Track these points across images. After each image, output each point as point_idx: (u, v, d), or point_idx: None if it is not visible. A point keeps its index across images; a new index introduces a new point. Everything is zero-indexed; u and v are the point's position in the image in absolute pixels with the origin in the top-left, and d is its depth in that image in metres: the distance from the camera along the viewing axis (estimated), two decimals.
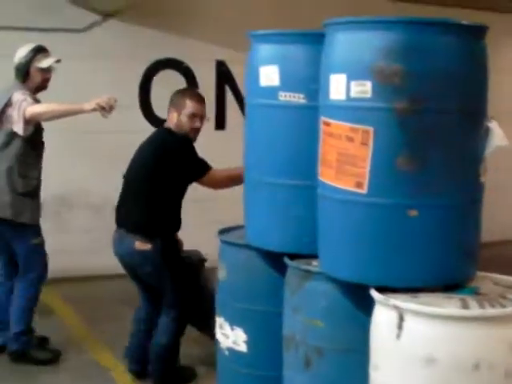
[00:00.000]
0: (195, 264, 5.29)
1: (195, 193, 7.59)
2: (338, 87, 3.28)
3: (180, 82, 8.20)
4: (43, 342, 5.69)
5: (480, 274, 3.49)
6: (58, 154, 7.48)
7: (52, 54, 5.52)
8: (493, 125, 3.32)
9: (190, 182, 4.86)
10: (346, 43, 3.28)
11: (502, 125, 3.37)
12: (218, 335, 4.39)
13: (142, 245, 4.71)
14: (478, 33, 3.29)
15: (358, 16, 3.34)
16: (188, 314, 4.97)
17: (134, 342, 5.08)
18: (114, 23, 7.90)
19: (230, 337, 4.29)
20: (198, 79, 8.36)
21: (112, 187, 6.38)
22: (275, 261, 3.99)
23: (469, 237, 3.37)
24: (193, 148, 4.82)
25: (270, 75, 3.82)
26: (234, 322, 4.25)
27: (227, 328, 4.30)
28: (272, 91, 3.82)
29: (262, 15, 8.34)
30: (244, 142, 4.14)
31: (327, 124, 3.35)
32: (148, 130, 7.54)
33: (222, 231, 4.50)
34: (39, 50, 5.41)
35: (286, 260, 3.82)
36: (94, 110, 4.97)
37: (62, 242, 7.45)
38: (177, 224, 4.95)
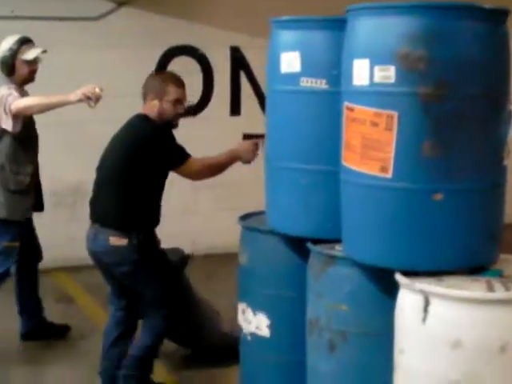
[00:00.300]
0: (176, 264, 5.06)
1: (208, 180, 7.63)
2: (361, 72, 3.29)
3: (195, 69, 8.26)
4: (65, 329, 5.74)
5: (503, 256, 3.51)
6: (74, 144, 7.55)
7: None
8: None
9: (168, 170, 4.57)
10: (368, 28, 3.29)
11: None
12: (241, 321, 4.42)
13: (116, 240, 4.40)
14: (500, 17, 3.29)
15: (380, 1, 3.35)
16: (174, 316, 4.70)
17: (107, 365, 4.77)
18: (127, 11, 7.95)
19: (253, 322, 4.31)
20: (213, 65, 8.40)
21: None
22: (298, 246, 4.01)
23: (492, 220, 3.39)
24: (172, 135, 4.58)
25: (291, 61, 3.83)
26: (256, 307, 4.27)
27: (250, 313, 4.32)
28: (293, 77, 3.83)
29: (275, 2, 8.34)
30: (265, 128, 4.14)
31: (351, 109, 3.37)
32: None
33: (243, 217, 4.52)
34: (24, 42, 5.31)
35: (309, 245, 3.84)
36: (79, 100, 4.88)
37: (80, 230, 7.50)
38: (155, 218, 4.63)
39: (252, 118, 8.53)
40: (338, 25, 3.65)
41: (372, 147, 3.28)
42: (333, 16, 3.82)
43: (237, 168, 7.48)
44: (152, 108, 4.55)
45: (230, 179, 7.96)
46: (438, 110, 3.14)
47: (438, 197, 3.21)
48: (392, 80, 3.18)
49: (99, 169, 4.63)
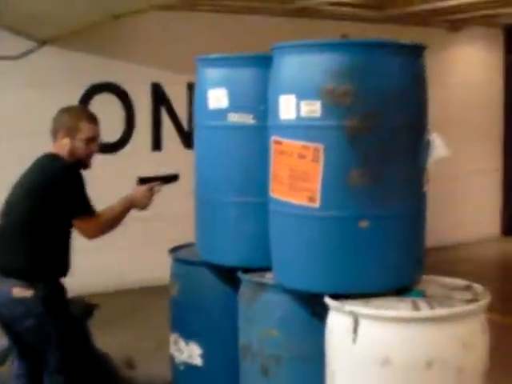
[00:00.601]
0: (79, 315, 4.76)
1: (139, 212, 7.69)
2: (287, 107, 3.46)
3: (117, 105, 8.35)
4: None
5: (425, 277, 3.71)
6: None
7: None
8: (433, 137, 3.54)
9: (68, 218, 4.05)
10: (294, 65, 3.47)
11: (444, 132, 3.62)
12: (173, 351, 4.51)
13: (20, 291, 3.90)
14: (417, 51, 3.52)
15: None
16: (76, 381, 4.15)
17: None
18: (48, 49, 8.01)
19: (185, 352, 4.41)
20: (134, 102, 8.51)
21: None
22: (228, 276, 4.15)
23: (416, 243, 3.59)
24: (81, 178, 4.07)
25: (218, 98, 3.99)
26: (188, 336, 4.38)
27: (182, 343, 4.42)
28: (221, 113, 3.99)
29: (194, 39, 8.55)
30: (194, 162, 4.27)
31: (278, 143, 3.53)
32: None
33: (173, 249, 4.63)
34: None
35: (240, 274, 3.97)
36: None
37: None
38: (64, 266, 4.13)
39: (173, 153, 8.70)
40: (263, 62, 3.83)
41: (300, 178, 3.44)
42: (253, 52, 4.01)
43: (166, 202, 7.60)
44: (62, 146, 4.13)
45: (159, 212, 8.10)
46: (364, 141, 3.33)
47: (364, 224, 3.39)
48: (318, 114, 3.36)
49: (3, 214, 4.13)
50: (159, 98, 8.70)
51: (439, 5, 9.20)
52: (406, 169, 3.43)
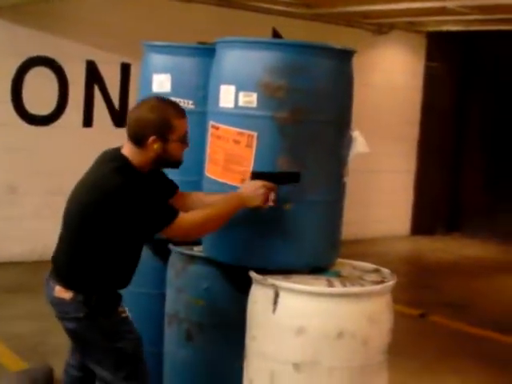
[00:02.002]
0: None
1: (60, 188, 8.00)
2: (227, 96, 3.79)
3: (52, 80, 8.54)
4: None
5: (340, 260, 4.09)
6: None
7: None
8: (356, 133, 3.92)
9: (149, 234, 3.59)
10: (236, 59, 3.80)
11: (364, 129, 3.99)
12: None
13: (61, 291, 3.57)
14: (347, 55, 3.89)
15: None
16: None
17: None
18: None
19: None
20: (69, 77, 8.72)
21: None
22: (159, 248, 4.45)
23: (333, 228, 3.97)
24: (146, 196, 3.46)
25: (162, 82, 4.30)
26: None
27: None
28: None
29: (130, 22, 8.81)
30: None
31: (216, 128, 3.86)
32: (17, 123, 7.93)
33: None
34: None
35: (171, 246, 4.28)
36: None
37: None
38: (119, 280, 3.69)
39: (103, 130, 8.94)
40: (205, 52, 4.19)
41: (234, 161, 3.78)
42: (183, 38, 4.27)
43: None
44: (147, 153, 3.54)
45: None
46: (293, 131, 3.69)
47: (288, 206, 3.74)
48: (254, 105, 3.70)
49: (65, 209, 3.66)
50: (93, 75, 8.93)
51: (366, 8, 9.62)
52: (328, 159, 3.79)
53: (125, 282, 3.71)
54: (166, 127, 3.51)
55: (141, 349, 3.69)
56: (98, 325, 3.57)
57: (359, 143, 3.89)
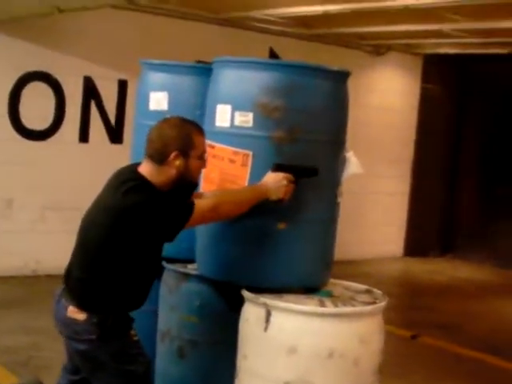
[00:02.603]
0: None
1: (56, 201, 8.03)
2: (223, 116, 3.82)
3: (48, 95, 8.57)
4: None
5: (333, 280, 4.11)
6: None
7: None
8: (350, 154, 3.96)
9: (172, 237, 3.54)
10: (232, 78, 3.84)
11: (360, 150, 4.03)
12: None
13: (74, 312, 3.49)
14: (343, 77, 3.93)
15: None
16: None
17: None
18: None
19: None
20: (66, 93, 8.75)
21: None
22: None
23: (326, 248, 3.99)
24: (166, 207, 3.44)
25: (159, 100, 4.34)
26: None
27: None
28: (161, 115, 4.25)
29: (129, 38, 8.86)
30: (131, 156, 4.57)
31: (212, 147, 3.87)
32: (14, 138, 7.95)
33: None
34: None
35: (165, 263, 4.30)
36: None
37: None
38: (133, 301, 3.62)
39: (99, 145, 8.98)
40: (203, 71, 4.23)
41: (229, 180, 3.81)
42: (183, 55, 4.30)
43: (86, 191, 7.83)
44: (168, 171, 3.51)
45: (78, 202, 8.36)
46: (289, 151, 3.72)
47: (282, 226, 3.77)
48: (250, 124, 3.73)
49: (81, 230, 3.61)
50: (90, 91, 8.95)
51: (363, 29, 9.68)
52: (323, 179, 3.80)
53: (140, 302, 3.65)
54: (187, 143, 3.51)
55: (150, 372, 3.66)
56: (111, 347, 3.50)
57: (353, 164, 3.92)
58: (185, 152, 3.50)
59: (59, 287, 3.66)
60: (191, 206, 3.46)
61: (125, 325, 3.57)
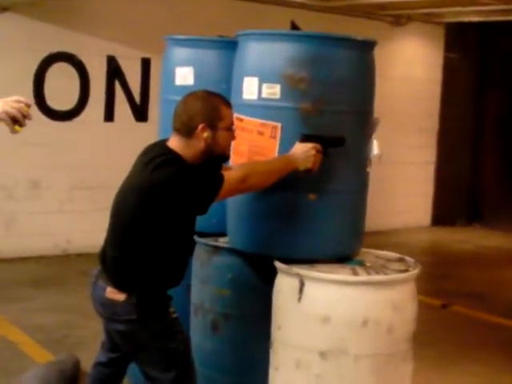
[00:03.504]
0: (70, 376, 4.83)
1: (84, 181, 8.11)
2: (250, 88, 3.83)
3: (73, 75, 8.61)
4: None
5: (364, 249, 4.12)
6: None
7: None
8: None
9: (203, 210, 3.51)
10: (258, 51, 3.85)
11: (384, 121, 4.02)
12: None
13: (113, 293, 3.49)
14: (368, 46, 3.92)
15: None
16: None
17: None
18: (9, 16, 8.21)
19: None
20: (90, 73, 8.77)
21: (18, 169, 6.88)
22: None
23: (357, 218, 4.00)
24: (196, 183, 3.42)
25: (185, 75, 4.35)
26: None
27: None
28: (187, 90, 4.26)
29: (151, 17, 8.87)
30: (159, 132, 4.59)
31: (240, 120, 3.89)
32: (39, 119, 7.99)
33: None
34: None
35: (196, 238, 4.32)
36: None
37: None
38: (172, 279, 3.62)
39: (125, 124, 9.01)
40: (227, 45, 4.25)
41: (258, 153, 3.82)
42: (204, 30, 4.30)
43: (113, 170, 7.93)
44: (197, 144, 3.49)
45: (105, 180, 8.44)
46: (316, 122, 3.72)
47: (313, 197, 3.78)
48: (277, 96, 3.74)
49: (113, 209, 3.61)
50: (114, 70, 8.96)
51: (383, 0, 9.62)
52: (351, 149, 3.80)
53: (177, 279, 3.64)
54: (214, 115, 3.49)
55: (190, 349, 3.67)
56: (151, 326, 3.51)
57: (373, 145, 3.96)
58: (212, 124, 3.48)
59: (95, 268, 3.65)
60: (220, 177, 3.43)
61: (163, 304, 3.56)
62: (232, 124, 3.60)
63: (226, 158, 3.64)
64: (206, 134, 3.47)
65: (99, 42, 8.73)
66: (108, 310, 3.55)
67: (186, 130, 3.49)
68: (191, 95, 3.60)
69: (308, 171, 3.70)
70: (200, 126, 3.46)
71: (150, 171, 3.40)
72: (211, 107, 3.50)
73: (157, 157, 3.44)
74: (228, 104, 3.58)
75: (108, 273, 3.55)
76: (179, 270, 3.64)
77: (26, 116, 3.32)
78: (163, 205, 3.37)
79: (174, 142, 3.52)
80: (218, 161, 3.61)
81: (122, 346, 3.66)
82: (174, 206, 3.39)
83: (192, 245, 3.82)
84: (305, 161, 3.67)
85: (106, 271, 3.56)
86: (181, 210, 3.42)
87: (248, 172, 3.57)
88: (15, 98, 3.36)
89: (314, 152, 3.68)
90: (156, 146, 3.62)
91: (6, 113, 3.29)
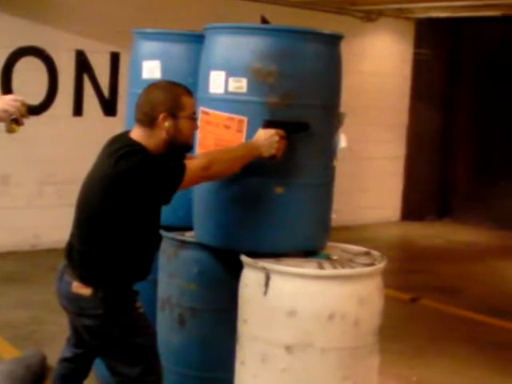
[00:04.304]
0: (36, 371, 4.79)
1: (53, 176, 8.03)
2: (217, 82, 3.82)
3: (41, 69, 8.54)
4: None
5: (331, 244, 4.13)
6: None
7: None
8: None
9: (167, 200, 3.50)
10: (225, 45, 3.83)
11: (353, 116, 4.03)
12: None
13: (79, 287, 3.47)
14: (336, 40, 3.92)
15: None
16: None
17: None
18: None
19: None
20: (58, 67, 8.70)
21: None
22: None
23: (323, 211, 4.00)
24: (157, 171, 3.40)
25: (152, 69, 4.33)
26: None
27: None
28: None
29: (119, 11, 8.83)
30: (126, 126, 4.55)
31: (206, 113, 3.88)
32: None
33: None
34: None
35: (162, 232, 4.31)
36: None
37: None
38: (138, 271, 3.60)
39: (93, 119, 8.96)
40: (194, 39, 4.23)
41: (224, 146, 3.79)
42: (173, 26, 4.28)
43: (82, 165, 7.83)
44: (159, 134, 3.48)
45: (74, 175, 8.37)
46: (283, 116, 3.72)
47: (280, 190, 3.78)
48: (244, 90, 3.73)
49: (78, 203, 3.58)
50: (82, 65, 8.89)
51: None
52: (317, 143, 3.81)
53: (144, 273, 3.63)
54: (175, 104, 3.48)
55: (156, 343, 3.66)
56: (118, 321, 3.50)
57: (340, 139, 3.97)
58: (173, 113, 3.47)
59: (61, 263, 3.63)
60: (183, 166, 3.43)
61: (130, 298, 3.56)
62: (194, 113, 3.58)
63: (189, 147, 3.62)
64: (167, 124, 3.46)
65: (68, 36, 8.66)
66: (74, 305, 3.53)
67: (148, 120, 3.48)
68: (152, 86, 3.60)
69: (272, 157, 3.68)
70: (161, 116, 3.46)
71: (113, 162, 3.38)
72: (172, 97, 3.49)
73: (120, 148, 3.43)
74: (190, 93, 3.55)
75: (74, 267, 3.52)
76: (145, 264, 3.62)
77: (23, 115, 3.36)
78: (127, 195, 3.36)
79: (137, 133, 3.52)
80: (180, 150, 3.59)
81: (89, 341, 3.63)
82: (138, 196, 3.37)
83: (158, 238, 3.81)
84: (268, 147, 3.66)
85: (71, 265, 3.54)
86: (145, 199, 3.41)
87: (210, 159, 3.55)
88: (12, 96, 3.38)
89: (277, 138, 3.66)
90: (119, 137, 3.60)
91: (6, 111, 3.30)
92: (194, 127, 3.61)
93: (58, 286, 3.61)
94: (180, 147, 3.57)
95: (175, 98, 3.49)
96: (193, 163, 3.48)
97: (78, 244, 3.53)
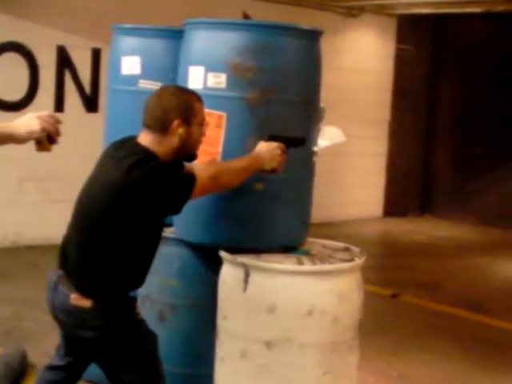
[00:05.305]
0: (16, 368, 4.75)
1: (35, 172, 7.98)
2: (196, 77, 3.82)
3: (22, 65, 8.50)
4: None
5: (310, 239, 4.13)
6: None
7: None
8: (330, 127, 4.00)
9: (177, 211, 3.41)
10: (205, 40, 3.84)
11: (336, 113, 4.03)
12: None
13: (78, 299, 3.28)
14: (315, 36, 3.93)
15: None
16: None
17: None
18: None
19: None
20: (39, 63, 8.66)
21: None
22: None
23: (303, 207, 4.01)
24: (170, 182, 3.29)
25: (131, 65, 4.32)
26: None
27: None
28: (133, 79, 4.31)
29: (102, 3, 8.79)
30: (106, 123, 4.56)
31: None
32: None
33: None
34: None
35: None
36: (34, 137, 3.31)
37: None
38: (137, 279, 3.48)
39: (75, 114, 8.91)
40: (174, 34, 4.20)
41: (203, 142, 3.77)
42: (155, 21, 4.27)
43: (63, 161, 7.88)
44: (171, 140, 3.35)
45: (55, 172, 8.36)
46: (262, 112, 3.73)
47: (259, 186, 3.78)
48: (223, 85, 3.73)
49: (79, 210, 3.41)
50: (64, 60, 8.85)
51: None
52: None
53: (143, 280, 3.50)
54: (189, 110, 3.37)
55: (158, 348, 3.52)
56: (120, 330, 3.36)
57: (332, 133, 3.97)
58: (187, 119, 3.36)
59: (53, 273, 3.42)
60: (192, 176, 3.32)
61: (129, 306, 3.43)
62: (204, 119, 3.47)
63: (194, 156, 3.52)
64: (181, 130, 3.34)
65: (49, 31, 8.62)
66: (73, 318, 3.34)
67: (160, 126, 3.34)
68: (163, 90, 3.49)
69: (273, 171, 3.68)
70: (176, 122, 3.33)
71: (124, 171, 3.22)
72: (186, 102, 3.38)
73: (130, 155, 3.27)
74: (200, 99, 3.45)
75: (71, 277, 3.34)
76: (146, 271, 3.50)
77: (58, 134, 3.27)
78: (139, 205, 3.22)
79: (146, 139, 3.35)
80: (184, 160, 3.50)
81: (90, 354, 3.47)
82: (149, 206, 3.25)
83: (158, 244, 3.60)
84: (271, 160, 3.65)
85: (68, 275, 3.35)
86: (156, 209, 3.30)
87: (218, 170, 3.49)
88: (47, 113, 3.30)
89: (279, 152, 3.67)
90: (126, 142, 3.43)
91: (45, 130, 3.22)
92: (203, 134, 3.50)
93: (51, 296, 3.41)
94: (185, 156, 3.47)
95: (188, 103, 3.39)
96: (201, 173, 3.38)
97: (77, 252, 3.36)
